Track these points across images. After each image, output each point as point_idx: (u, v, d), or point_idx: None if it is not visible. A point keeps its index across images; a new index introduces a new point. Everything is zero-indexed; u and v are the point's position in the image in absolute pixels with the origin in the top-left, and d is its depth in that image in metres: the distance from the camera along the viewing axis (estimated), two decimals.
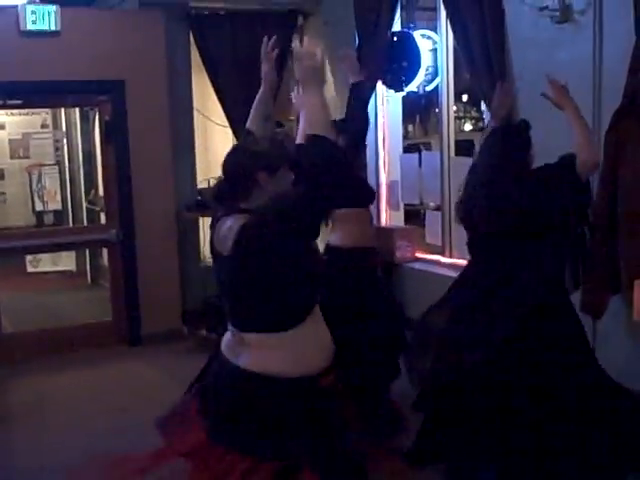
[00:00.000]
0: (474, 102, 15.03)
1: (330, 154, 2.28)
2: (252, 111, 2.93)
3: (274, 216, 2.27)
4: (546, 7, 4.55)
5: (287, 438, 2.38)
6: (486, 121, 5.43)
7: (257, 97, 3.06)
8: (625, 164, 4.22)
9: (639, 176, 4.19)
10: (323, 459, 2.41)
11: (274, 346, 2.37)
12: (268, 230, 2.26)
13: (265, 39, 3.02)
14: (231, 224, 2.35)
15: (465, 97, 15.36)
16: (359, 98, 4.58)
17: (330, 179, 2.24)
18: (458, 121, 15.61)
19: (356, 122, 4.51)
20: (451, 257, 6.11)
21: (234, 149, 2.54)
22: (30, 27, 5.73)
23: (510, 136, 3.63)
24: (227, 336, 2.51)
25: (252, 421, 2.37)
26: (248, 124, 2.85)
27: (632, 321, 4.50)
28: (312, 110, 2.38)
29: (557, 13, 4.53)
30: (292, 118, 7.55)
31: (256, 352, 2.37)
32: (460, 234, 5.72)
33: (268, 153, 2.45)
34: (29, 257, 8.29)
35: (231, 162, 2.44)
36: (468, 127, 16.73)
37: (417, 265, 6.39)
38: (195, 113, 6.80)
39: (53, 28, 5.80)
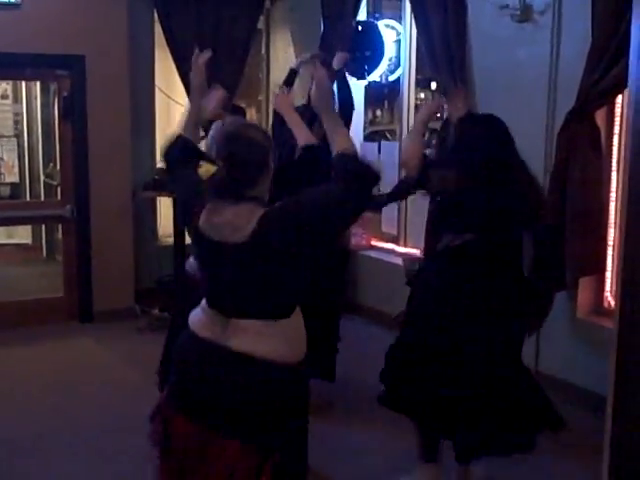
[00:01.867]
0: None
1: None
2: (185, 120, 2.90)
3: (311, 210, 2.29)
4: (507, 6, 4.61)
5: (291, 425, 2.42)
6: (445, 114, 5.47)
7: (188, 108, 3.04)
8: (575, 165, 4.30)
9: (588, 177, 4.28)
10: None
11: (274, 333, 2.37)
12: (293, 221, 2.29)
13: (196, 51, 3.00)
14: (238, 211, 2.35)
15: (434, 85, 15.42)
16: (345, 86, 4.85)
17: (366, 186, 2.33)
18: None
19: (347, 110, 4.69)
20: (406, 246, 6.18)
21: (240, 139, 2.45)
22: None
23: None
24: (201, 318, 2.46)
25: (258, 407, 2.34)
26: (180, 130, 2.80)
27: (576, 318, 4.63)
28: (335, 132, 2.45)
29: (517, 12, 4.58)
30: (260, 98, 7.55)
31: (254, 337, 2.35)
32: (415, 224, 5.79)
33: (270, 144, 2.51)
34: None
35: (245, 152, 2.41)
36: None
37: (372, 253, 6.45)
38: (157, 92, 6.76)
39: (13, 0, 5.70)
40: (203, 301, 2.48)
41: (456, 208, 3.34)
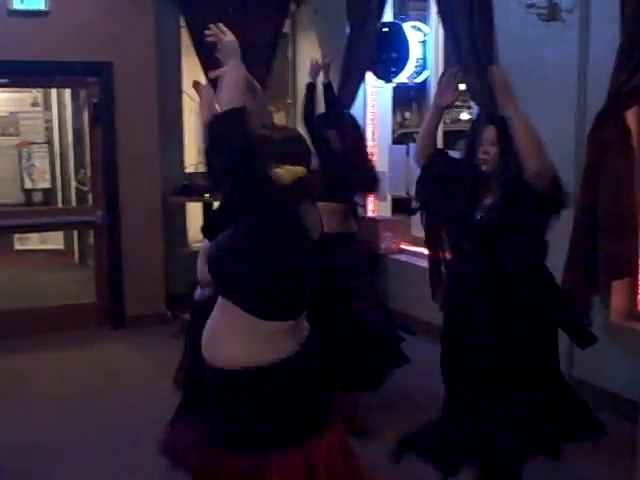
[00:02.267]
0: None
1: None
2: None
3: None
4: (534, 4, 4.54)
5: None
6: (475, 114, 5.42)
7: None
8: (607, 165, 4.22)
9: (619, 178, 4.20)
10: None
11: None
12: None
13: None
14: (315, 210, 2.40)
15: (462, 86, 15.31)
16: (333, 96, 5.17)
17: None
18: (456, 109, 15.55)
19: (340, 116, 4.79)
20: None
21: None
22: (18, 6, 5.70)
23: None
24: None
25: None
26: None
27: (609, 322, 4.54)
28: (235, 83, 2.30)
29: (545, 11, 4.51)
30: (289, 102, 7.55)
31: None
32: None
33: None
34: (17, 235, 8.28)
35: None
36: (465, 116, 16.67)
37: (401, 257, 6.40)
38: (184, 96, 6.78)
39: (42, 8, 5.77)
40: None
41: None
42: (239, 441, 2.30)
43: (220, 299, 2.35)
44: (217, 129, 2.17)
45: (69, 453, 4.15)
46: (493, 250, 3.22)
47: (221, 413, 2.35)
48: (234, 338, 2.28)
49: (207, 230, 2.76)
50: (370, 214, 6.75)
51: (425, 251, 6.11)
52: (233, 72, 2.30)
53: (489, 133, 3.26)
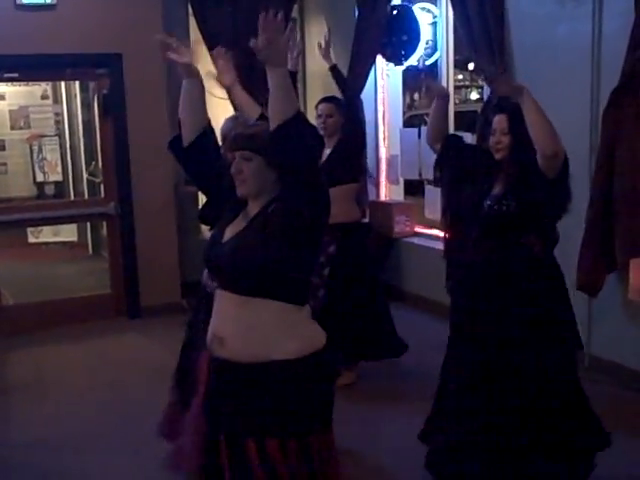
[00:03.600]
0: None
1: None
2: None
3: None
4: None
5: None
6: (486, 94, 5.39)
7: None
8: (622, 143, 4.20)
9: (636, 154, 4.17)
10: None
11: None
12: None
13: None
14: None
15: (471, 66, 15.21)
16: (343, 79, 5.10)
17: None
18: (465, 90, 15.49)
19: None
20: None
21: None
22: (26, 0, 5.69)
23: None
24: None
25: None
26: None
27: (627, 300, 4.53)
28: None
29: None
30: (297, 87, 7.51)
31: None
32: None
33: None
34: (30, 228, 8.31)
35: None
36: (475, 96, 16.60)
37: (415, 240, 6.40)
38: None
39: (49, 1, 5.75)
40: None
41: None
42: (276, 426, 2.24)
43: (233, 297, 2.28)
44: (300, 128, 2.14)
45: (87, 444, 4.16)
46: (500, 239, 3.20)
47: (262, 403, 2.25)
48: (279, 332, 2.24)
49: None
50: (383, 198, 6.74)
51: (440, 233, 6.15)
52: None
53: (501, 123, 3.22)
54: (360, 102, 4.99)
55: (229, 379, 2.31)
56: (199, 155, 2.55)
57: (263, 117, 3.20)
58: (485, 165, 3.33)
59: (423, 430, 3.52)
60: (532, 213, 3.17)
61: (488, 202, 3.20)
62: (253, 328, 2.25)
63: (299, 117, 2.12)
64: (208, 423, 2.38)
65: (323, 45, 5.01)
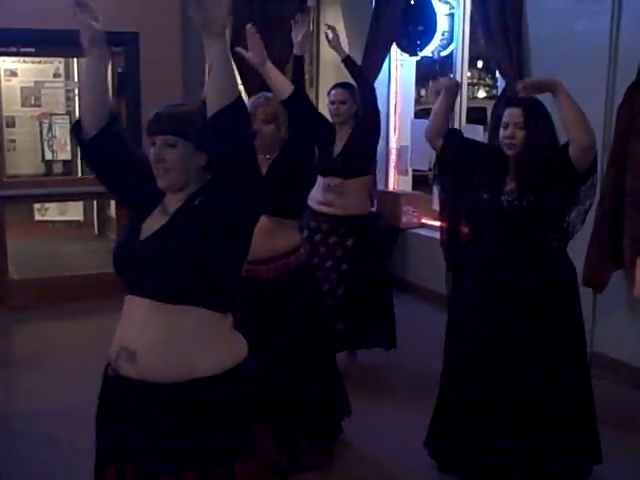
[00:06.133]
0: (488, 69, 14.88)
1: None
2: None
3: None
4: None
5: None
6: (499, 89, 5.39)
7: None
8: (635, 139, 4.21)
9: None
10: None
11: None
12: None
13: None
14: None
15: (480, 63, 15.21)
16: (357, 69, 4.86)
17: None
18: (472, 87, 15.48)
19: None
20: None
21: None
22: None
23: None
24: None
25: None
26: None
27: (632, 297, 4.54)
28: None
29: None
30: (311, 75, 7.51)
31: None
32: None
33: None
34: (37, 205, 8.31)
35: None
36: (482, 94, 16.59)
37: (422, 231, 6.41)
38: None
39: None
40: None
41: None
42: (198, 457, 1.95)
43: (151, 304, 1.97)
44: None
45: (90, 415, 4.17)
46: (518, 234, 3.18)
47: (167, 430, 1.96)
48: (201, 345, 1.96)
49: None
50: (391, 189, 6.75)
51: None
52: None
53: (515, 117, 3.11)
54: (374, 91, 4.94)
55: (139, 402, 2.01)
56: (103, 150, 2.14)
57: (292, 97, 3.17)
58: (491, 160, 3.27)
59: (427, 437, 3.50)
60: (552, 208, 3.13)
61: (507, 198, 3.14)
62: (172, 340, 1.94)
63: (240, 102, 1.82)
64: (99, 451, 2.11)
65: (330, 37, 4.80)
